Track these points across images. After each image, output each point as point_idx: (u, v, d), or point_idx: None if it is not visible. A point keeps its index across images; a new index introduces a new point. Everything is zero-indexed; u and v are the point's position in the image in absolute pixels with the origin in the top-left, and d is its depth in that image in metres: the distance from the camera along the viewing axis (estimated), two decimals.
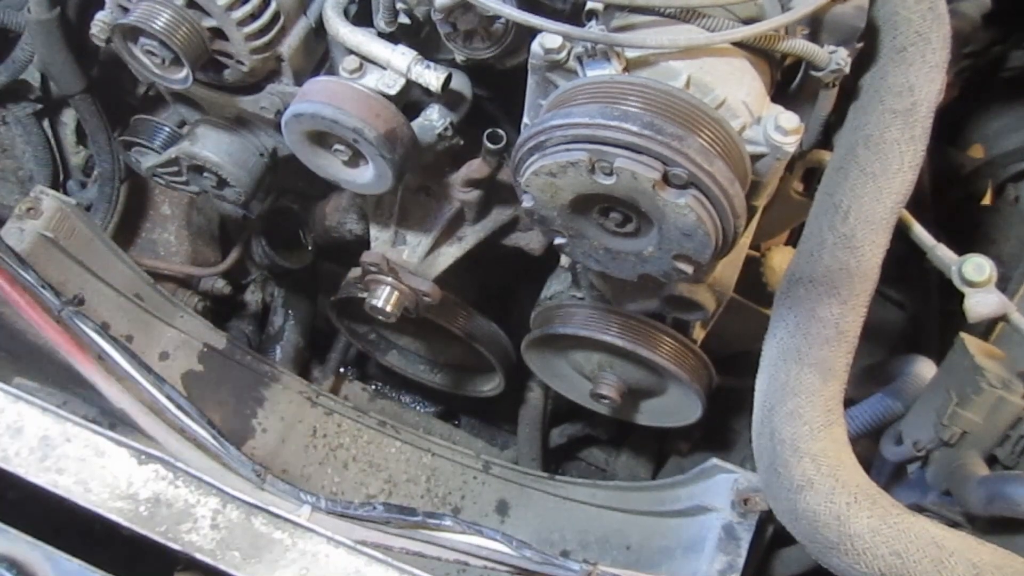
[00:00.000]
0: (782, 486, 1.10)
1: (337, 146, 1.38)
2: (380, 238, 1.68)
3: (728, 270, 1.44)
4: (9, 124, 2.03)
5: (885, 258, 1.17)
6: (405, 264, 1.64)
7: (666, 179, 1.03)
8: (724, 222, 1.07)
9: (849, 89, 1.24)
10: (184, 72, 1.40)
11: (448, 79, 1.35)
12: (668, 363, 1.52)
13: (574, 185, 1.08)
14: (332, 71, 1.46)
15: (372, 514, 1.24)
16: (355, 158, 1.40)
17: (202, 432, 1.25)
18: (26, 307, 1.28)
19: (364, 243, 1.72)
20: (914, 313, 1.98)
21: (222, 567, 1.08)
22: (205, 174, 1.67)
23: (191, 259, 2.17)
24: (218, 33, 1.38)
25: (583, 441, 2.32)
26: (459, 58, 1.35)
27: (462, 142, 1.49)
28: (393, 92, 1.35)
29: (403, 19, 1.36)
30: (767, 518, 1.48)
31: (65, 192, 2.10)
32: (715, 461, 1.55)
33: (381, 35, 1.37)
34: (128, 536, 1.11)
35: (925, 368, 1.45)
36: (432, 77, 1.34)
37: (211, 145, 1.64)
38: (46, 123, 2.06)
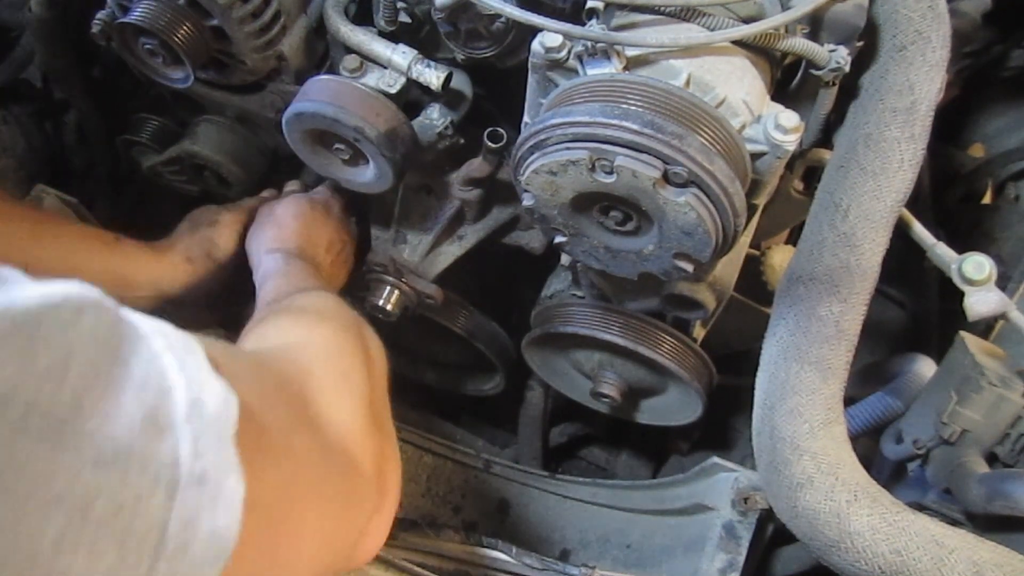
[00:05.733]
0: (782, 484, 1.10)
1: (338, 145, 1.38)
2: (381, 237, 1.68)
3: (728, 269, 1.44)
4: (9, 124, 2.03)
5: (885, 256, 1.17)
6: (406, 263, 1.65)
7: (666, 177, 1.03)
8: (724, 220, 1.07)
9: (849, 87, 1.24)
10: (185, 71, 1.40)
11: (449, 78, 1.36)
12: (669, 362, 1.52)
13: (574, 183, 1.08)
14: (332, 70, 1.47)
15: None
16: (356, 157, 1.40)
17: None
18: None
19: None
20: (914, 311, 1.97)
21: None
22: (206, 173, 1.67)
23: None
24: (219, 32, 1.39)
25: (584, 440, 2.31)
26: (459, 57, 1.35)
27: (462, 141, 1.49)
28: (394, 91, 1.35)
29: (403, 18, 1.36)
30: (767, 516, 1.48)
31: (66, 191, 2.09)
32: (715, 460, 1.55)
33: (382, 34, 1.37)
34: None
35: (925, 367, 1.45)
36: (432, 76, 1.34)
37: (212, 144, 1.64)
38: (47, 123, 2.06)
